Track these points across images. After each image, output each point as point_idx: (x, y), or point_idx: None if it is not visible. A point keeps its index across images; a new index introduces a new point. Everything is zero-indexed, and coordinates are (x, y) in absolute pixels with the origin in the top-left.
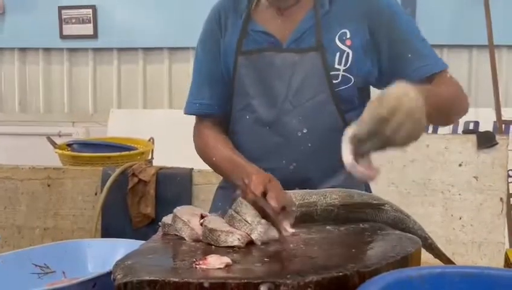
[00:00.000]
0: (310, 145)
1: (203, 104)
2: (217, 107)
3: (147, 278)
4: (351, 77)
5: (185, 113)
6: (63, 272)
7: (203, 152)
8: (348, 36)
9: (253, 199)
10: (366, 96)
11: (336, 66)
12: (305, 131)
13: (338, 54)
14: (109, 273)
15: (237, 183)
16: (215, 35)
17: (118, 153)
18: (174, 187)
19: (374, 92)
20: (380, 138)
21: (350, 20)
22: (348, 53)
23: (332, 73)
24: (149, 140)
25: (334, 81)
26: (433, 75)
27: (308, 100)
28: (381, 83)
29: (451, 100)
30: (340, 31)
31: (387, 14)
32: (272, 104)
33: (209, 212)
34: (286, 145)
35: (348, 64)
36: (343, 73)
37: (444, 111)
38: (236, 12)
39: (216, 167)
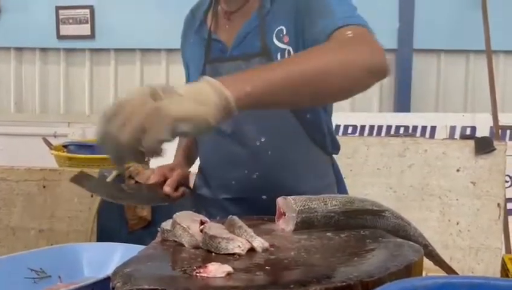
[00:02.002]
0: (270, 153)
1: None
2: None
3: (147, 287)
4: None
5: None
6: (59, 277)
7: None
8: (284, 33)
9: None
10: None
11: None
12: (263, 140)
13: (279, 54)
14: (106, 279)
15: None
16: (182, 50)
17: None
18: None
19: None
20: (126, 152)
21: (284, 16)
22: (288, 50)
23: None
24: None
25: None
26: (331, 35)
27: None
28: None
29: (310, 70)
30: (277, 29)
31: None
32: None
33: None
34: (246, 155)
35: None
36: None
37: (297, 86)
38: (194, 24)
39: None
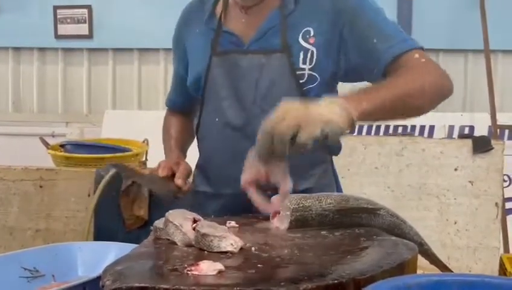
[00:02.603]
0: None
1: (170, 100)
2: (180, 104)
3: (137, 284)
4: (316, 75)
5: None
6: (53, 276)
7: (163, 137)
8: (312, 34)
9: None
10: (334, 94)
11: (301, 65)
12: None
13: (302, 53)
14: (99, 278)
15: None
16: (180, 38)
17: (111, 155)
18: None
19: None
20: (279, 142)
21: (314, 18)
22: (312, 51)
23: (298, 73)
24: (143, 141)
25: (301, 81)
26: (400, 57)
27: (277, 104)
28: (354, 77)
29: (407, 91)
30: (304, 29)
31: (351, 9)
32: (241, 107)
33: None
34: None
35: (313, 63)
36: (309, 72)
37: (398, 104)
38: (202, 14)
39: (163, 142)
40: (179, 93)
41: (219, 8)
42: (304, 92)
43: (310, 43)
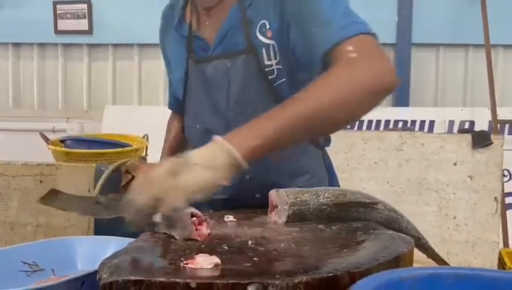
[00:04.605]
0: None
1: (170, 102)
2: (176, 106)
3: (133, 277)
4: (283, 68)
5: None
6: (52, 270)
7: (166, 131)
8: (267, 27)
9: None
10: None
11: (267, 62)
12: None
13: (264, 49)
14: (97, 272)
15: None
16: (162, 43)
17: (111, 150)
18: None
19: None
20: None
21: (266, 9)
22: (273, 45)
23: (267, 70)
24: (143, 137)
25: (270, 77)
26: (333, 49)
27: (249, 106)
28: (310, 69)
29: (327, 105)
30: (260, 23)
31: None
32: (217, 114)
33: None
34: None
35: (278, 57)
36: (277, 66)
37: (321, 117)
38: (173, 16)
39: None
40: (172, 94)
41: (188, 13)
42: (275, 88)
43: (268, 37)
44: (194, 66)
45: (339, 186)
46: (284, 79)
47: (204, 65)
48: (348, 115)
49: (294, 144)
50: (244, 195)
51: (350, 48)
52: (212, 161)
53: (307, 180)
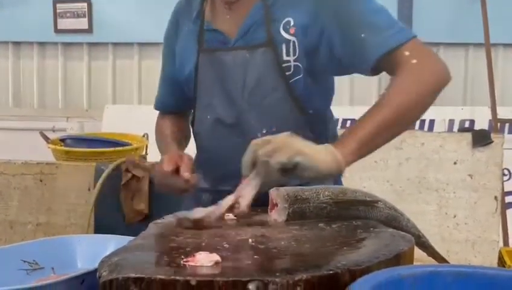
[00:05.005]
0: None
1: (161, 102)
2: (172, 105)
3: (133, 275)
4: (300, 66)
5: (154, 108)
6: (52, 268)
7: (156, 139)
8: (292, 24)
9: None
10: (326, 87)
11: (285, 57)
12: (264, 131)
13: (285, 45)
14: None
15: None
16: (171, 38)
17: (111, 149)
18: None
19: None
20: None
21: (294, 8)
22: (293, 42)
23: (284, 65)
24: (143, 136)
25: (287, 73)
26: (390, 54)
27: (264, 99)
28: (343, 70)
29: (395, 113)
30: (284, 20)
31: None
32: (231, 104)
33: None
34: (247, 146)
35: (297, 54)
36: (294, 63)
37: (394, 125)
38: (190, 13)
39: (157, 144)
40: (171, 93)
41: (206, 7)
42: (291, 84)
43: (290, 34)
44: (207, 58)
45: (342, 184)
46: (299, 76)
47: (222, 55)
48: (420, 115)
49: (378, 148)
50: None
51: (407, 53)
52: (317, 148)
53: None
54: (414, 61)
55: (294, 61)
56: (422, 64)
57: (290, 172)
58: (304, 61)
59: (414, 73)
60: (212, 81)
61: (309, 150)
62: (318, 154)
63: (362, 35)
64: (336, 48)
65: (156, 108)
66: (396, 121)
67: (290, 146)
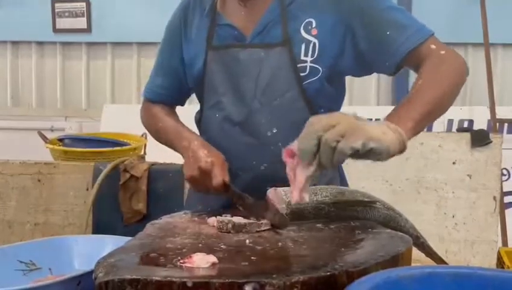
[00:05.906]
0: (280, 145)
1: (154, 91)
2: (166, 96)
3: (129, 276)
4: (319, 67)
5: (142, 96)
6: (49, 269)
7: (148, 122)
8: (314, 25)
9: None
10: (340, 88)
11: (303, 57)
12: (275, 131)
13: (304, 45)
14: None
15: (182, 156)
16: (176, 31)
17: (109, 149)
18: (166, 183)
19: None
20: (326, 152)
21: (315, 8)
22: (314, 43)
23: (299, 65)
24: (142, 135)
25: (302, 74)
26: (416, 49)
27: (277, 98)
28: (365, 69)
29: (442, 94)
30: (306, 21)
31: None
32: (241, 102)
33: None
34: (256, 146)
35: (316, 55)
36: (311, 64)
37: (441, 107)
38: (201, 7)
39: (161, 135)
40: (168, 83)
41: (218, 1)
42: (304, 87)
43: (312, 35)
44: (218, 54)
45: (347, 184)
46: (315, 78)
47: (235, 51)
48: (453, 100)
49: (425, 127)
50: (256, 186)
51: (433, 46)
52: (384, 129)
53: (322, 176)
54: (443, 52)
55: (312, 62)
56: (450, 54)
57: (359, 157)
58: (324, 63)
59: (446, 62)
60: (222, 79)
61: (377, 133)
62: (386, 136)
63: (388, 32)
64: (361, 46)
65: (147, 96)
66: (444, 100)
67: (359, 129)
